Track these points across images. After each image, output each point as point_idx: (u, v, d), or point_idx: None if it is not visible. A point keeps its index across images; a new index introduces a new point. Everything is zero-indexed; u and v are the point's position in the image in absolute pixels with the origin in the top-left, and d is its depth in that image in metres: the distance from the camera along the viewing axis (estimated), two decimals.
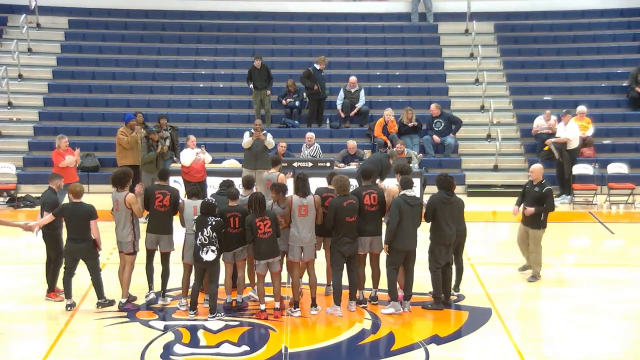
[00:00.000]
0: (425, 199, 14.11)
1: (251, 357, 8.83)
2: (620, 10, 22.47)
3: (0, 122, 19.34)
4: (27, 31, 20.94)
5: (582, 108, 18.23)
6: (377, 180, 11.80)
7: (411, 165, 14.87)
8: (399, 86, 20.72)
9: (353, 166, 16.18)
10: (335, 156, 17.02)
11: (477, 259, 12.44)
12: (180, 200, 10.33)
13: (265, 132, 15.50)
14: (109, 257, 11.76)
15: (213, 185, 14.36)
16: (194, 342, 9.20)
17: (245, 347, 9.03)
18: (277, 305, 9.88)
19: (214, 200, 9.82)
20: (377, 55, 21.48)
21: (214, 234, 9.58)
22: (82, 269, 10.18)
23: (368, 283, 10.40)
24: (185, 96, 20.27)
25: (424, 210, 10.24)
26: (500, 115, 19.51)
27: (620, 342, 9.41)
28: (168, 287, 10.43)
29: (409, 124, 18.15)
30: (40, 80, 20.55)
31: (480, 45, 20.74)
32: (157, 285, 10.38)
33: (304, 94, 19.23)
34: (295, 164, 15.80)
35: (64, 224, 10.28)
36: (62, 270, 10.33)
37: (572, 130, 17.14)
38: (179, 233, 10.42)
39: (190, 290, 10.01)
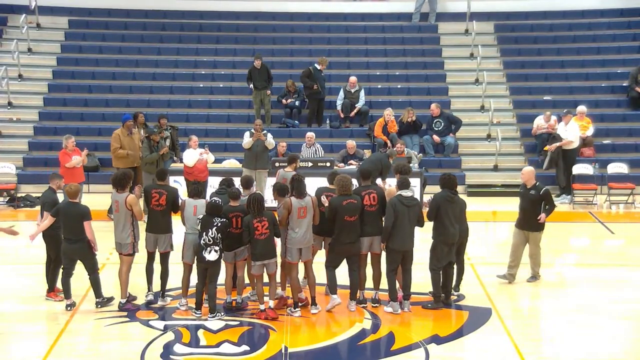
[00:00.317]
0: (426, 198, 14.17)
1: (251, 356, 8.83)
2: (620, 10, 22.47)
3: (0, 122, 19.34)
4: (27, 31, 20.94)
5: (582, 108, 18.23)
6: (379, 180, 11.82)
7: (411, 165, 14.89)
8: (399, 86, 20.72)
9: (353, 166, 16.17)
10: (335, 156, 17.02)
11: (477, 259, 12.44)
12: (181, 200, 10.33)
13: (265, 132, 15.50)
14: (108, 257, 11.77)
15: (213, 185, 14.34)
16: (194, 342, 9.20)
17: (245, 347, 9.03)
18: (272, 303, 9.82)
19: (219, 200, 9.82)
20: (377, 55, 21.48)
21: (219, 234, 9.59)
22: (82, 269, 10.17)
23: (369, 283, 10.39)
24: (185, 96, 20.27)
25: (425, 210, 10.24)
26: (500, 115, 19.51)
27: (620, 342, 9.41)
28: (168, 287, 10.43)
29: (408, 119, 18.17)
30: (40, 80, 20.55)
31: (480, 45, 20.74)
32: (156, 286, 10.38)
33: (304, 94, 19.22)
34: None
35: (49, 219, 10.28)
36: (61, 271, 10.34)
37: (573, 130, 17.15)
38: (178, 233, 10.42)
39: (190, 290, 10.01)
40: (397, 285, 10.19)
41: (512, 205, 11.73)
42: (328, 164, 15.78)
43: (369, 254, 10.23)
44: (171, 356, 8.82)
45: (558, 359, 8.92)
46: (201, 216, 9.70)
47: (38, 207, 10.81)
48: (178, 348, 9.02)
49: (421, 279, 10.68)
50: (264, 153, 15.29)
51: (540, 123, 18.28)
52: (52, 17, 22.07)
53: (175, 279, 10.41)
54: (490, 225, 15.92)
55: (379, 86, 20.64)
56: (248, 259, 10.03)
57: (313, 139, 17.06)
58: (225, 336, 9.31)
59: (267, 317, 9.75)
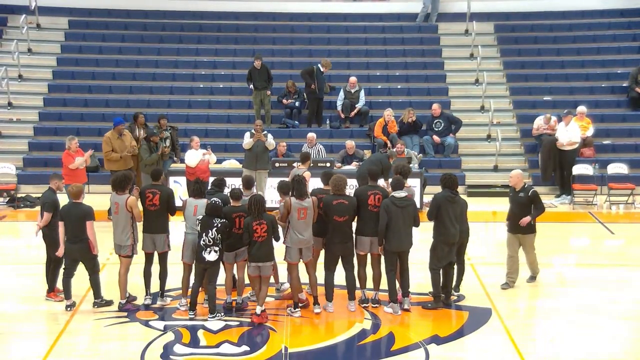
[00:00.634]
0: (427, 199, 14.17)
1: (251, 357, 8.84)
2: (620, 10, 22.46)
3: (0, 122, 19.33)
4: (27, 31, 20.92)
5: (582, 108, 18.22)
6: (381, 181, 11.81)
7: (411, 165, 14.88)
8: (399, 86, 20.71)
9: (352, 166, 16.17)
10: (335, 156, 17.01)
11: (477, 259, 12.44)
12: (182, 199, 10.32)
13: (265, 132, 15.50)
14: (108, 257, 11.77)
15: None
16: (194, 342, 9.20)
17: (245, 347, 9.04)
18: (259, 310, 9.72)
19: (219, 201, 9.80)
20: (377, 55, 21.47)
21: (219, 235, 9.58)
22: (82, 269, 10.17)
23: (369, 284, 10.38)
24: (185, 96, 20.26)
25: (425, 210, 10.24)
26: (500, 115, 19.51)
27: (620, 342, 9.42)
28: (169, 287, 10.44)
29: (409, 120, 18.17)
30: (40, 80, 20.54)
31: (480, 46, 20.74)
32: (155, 287, 10.37)
33: (304, 94, 19.22)
34: (295, 164, 15.78)
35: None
36: (62, 271, 10.34)
37: (574, 131, 17.15)
38: (177, 233, 10.42)
39: (190, 290, 10.01)
40: (397, 285, 10.20)
41: None
42: (328, 165, 15.77)
43: (369, 255, 10.23)
44: (171, 356, 8.82)
45: (558, 359, 8.92)
46: (201, 217, 9.70)
47: (38, 208, 10.79)
48: (178, 348, 9.02)
49: (421, 279, 10.68)
50: (265, 153, 15.30)
51: (540, 123, 18.26)
52: (52, 17, 22.06)
53: (175, 279, 10.42)
54: (490, 225, 15.90)
55: (379, 86, 20.64)
56: (248, 259, 10.03)
57: (314, 139, 17.03)
58: (225, 336, 9.32)
59: (252, 323, 9.68)
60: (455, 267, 10.50)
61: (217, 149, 16.62)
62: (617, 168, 17.24)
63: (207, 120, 19.64)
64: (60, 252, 10.05)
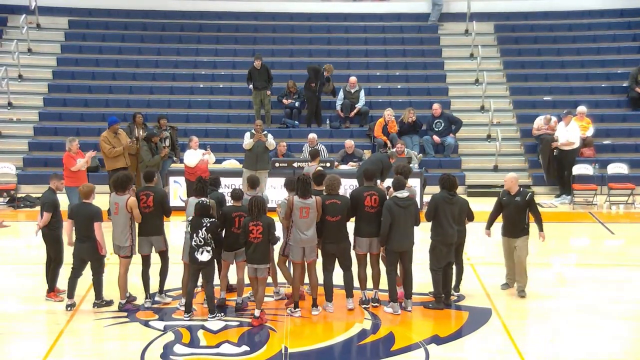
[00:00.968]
0: (427, 199, 14.15)
1: (251, 357, 8.84)
2: (620, 10, 22.46)
3: (0, 122, 19.34)
4: (27, 31, 20.93)
5: (582, 108, 18.23)
6: (378, 181, 11.80)
7: (411, 165, 14.87)
8: (399, 86, 20.72)
9: (352, 166, 16.16)
10: (335, 156, 17.01)
11: (477, 259, 12.45)
12: (182, 199, 10.32)
13: (266, 132, 15.50)
14: (108, 257, 11.73)
15: None
16: (194, 342, 9.21)
17: (245, 347, 9.04)
18: (257, 313, 9.71)
19: (207, 201, 9.79)
20: (377, 55, 21.47)
21: (209, 235, 9.57)
22: (85, 269, 10.17)
23: (369, 284, 10.38)
24: (185, 96, 20.27)
25: (423, 210, 10.23)
26: (500, 115, 19.51)
27: (620, 342, 9.42)
28: (169, 287, 10.43)
29: (409, 120, 18.17)
30: (40, 80, 20.54)
31: (481, 46, 20.74)
32: (154, 287, 10.37)
33: (304, 94, 19.20)
34: (295, 164, 15.80)
35: (64, 224, 10.30)
36: (62, 270, 10.34)
37: (574, 131, 17.15)
38: (178, 233, 10.41)
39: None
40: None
41: None
42: (328, 164, 15.77)
43: (368, 254, 10.22)
44: (171, 356, 8.82)
45: (558, 359, 8.92)
46: (190, 218, 9.68)
47: (38, 208, 10.79)
48: (178, 348, 9.02)
49: (421, 279, 10.68)
50: (265, 154, 15.29)
51: (540, 124, 18.26)
52: (52, 17, 22.08)
53: (175, 279, 10.41)
54: None
55: (379, 86, 20.64)
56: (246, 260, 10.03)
57: (315, 140, 16.98)
58: (225, 336, 9.32)
59: (251, 324, 9.67)
60: (454, 267, 10.50)
61: (217, 149, 16.63)
62: (617, 168, 17.24)
63: (207, 120, 19.64)
64: (69, 243, 10.10)
